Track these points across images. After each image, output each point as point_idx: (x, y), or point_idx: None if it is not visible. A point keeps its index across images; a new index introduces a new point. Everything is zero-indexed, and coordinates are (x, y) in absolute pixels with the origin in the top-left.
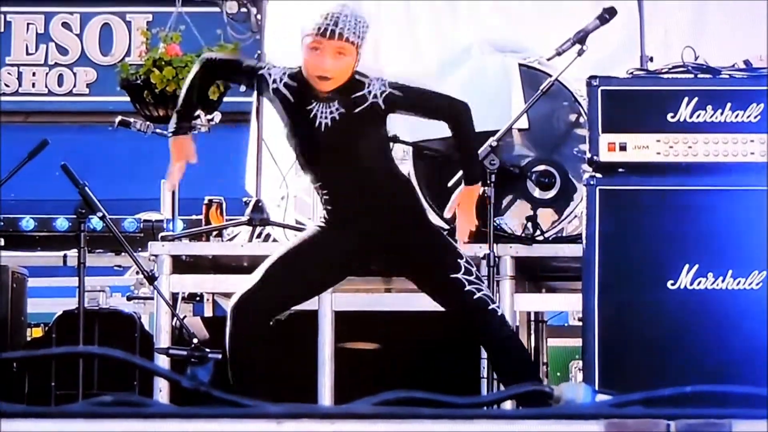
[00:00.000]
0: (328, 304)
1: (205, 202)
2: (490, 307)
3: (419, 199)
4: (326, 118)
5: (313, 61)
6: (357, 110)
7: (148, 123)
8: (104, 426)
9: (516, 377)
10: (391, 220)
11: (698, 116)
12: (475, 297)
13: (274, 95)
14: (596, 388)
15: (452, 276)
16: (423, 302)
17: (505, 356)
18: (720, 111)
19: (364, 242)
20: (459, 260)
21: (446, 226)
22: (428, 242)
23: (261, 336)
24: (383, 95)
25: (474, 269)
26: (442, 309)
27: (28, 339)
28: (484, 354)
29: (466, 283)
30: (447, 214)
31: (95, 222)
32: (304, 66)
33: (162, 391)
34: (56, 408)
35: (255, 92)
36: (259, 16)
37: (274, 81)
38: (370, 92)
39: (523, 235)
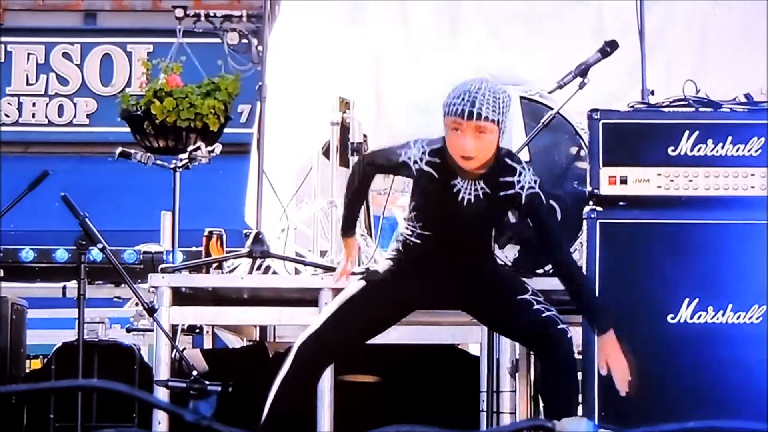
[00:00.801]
0: None
1: (205, 233)
2: (560, 326)
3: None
4: (470, 194)
5: (455, 142)
6: (501, 194)
7: (148, 154)
8: None
9: (569, 405)
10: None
11: (699, 150)
12: (544, 315)
13: (418, 174)
14: (596, 422)
15: (520, 297)
16: (424, 335)
17: (569, 380)
18: (721, 144)
19: (439, 288)
20: (526, 284)
21: None
22: (495, 269)
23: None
24: (529, 191)
25: (540, 296)
26: (444, 342)
27: (27, 371)
28: (483, 386)
29: (535, 303)
30: (602, 371)
31: (95, 253)
32: (448, 145)
33: (161, 423)
34: None
35: (256, 123)
36: (260, 47)
37: (416, 162)
38: (519, 182)
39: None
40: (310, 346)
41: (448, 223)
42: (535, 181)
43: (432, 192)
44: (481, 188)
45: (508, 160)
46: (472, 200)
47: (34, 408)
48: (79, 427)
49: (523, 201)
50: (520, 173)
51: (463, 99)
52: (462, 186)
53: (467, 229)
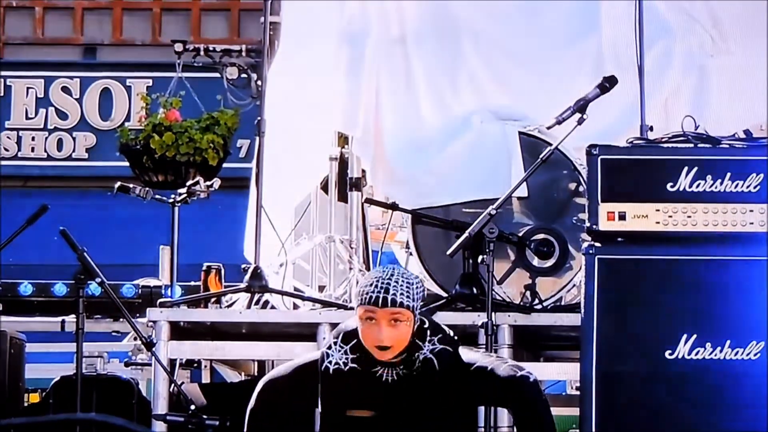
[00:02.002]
0: None
1: (204, 268)
2: (520, 374)
3: None
4: (391, 375)
5: (370, 332)
6: (417, 371)
7: (147, 189)
8: None
9: None
10: None
11: (698, 186)
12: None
13: (338, 377)
14: None
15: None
16: None
17: (547, 420)
18: (720, 181)
19: None
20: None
21: (445, 294)
22: None
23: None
24: (435, 352)
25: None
26: None
27: (26, 404)
28: (481, 422)
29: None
30: None
31: (93, 287)
32: (362, 336)
33: None
34: None
35: (254, 158)
36: (259, 82)
37: (336, 364)
38: (426, 349)
39: (521, 303)
40: (269, 389)
41: (369, 399)
42: (449, 342)
43: (356, 380)
44: (403, 372)
45: (418, 341)
46: (395, 378)
47: None
48: None
49: (437, 366)
50: (429, 341)
51: (375, 286)
52: (383, 371)
53: (401, 412)
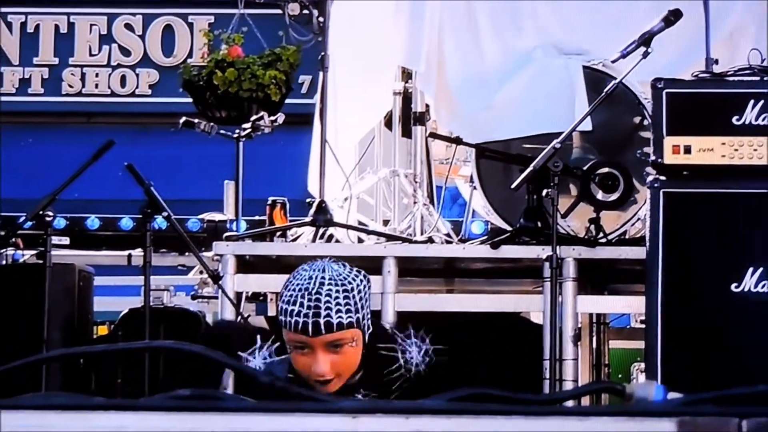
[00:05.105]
0: (391, 304)
1: (269, 202)
2: None
3: None
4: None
5: (305, 364)
6: (392, 389)
7: (211, 124)
8: (182, 420)
9: None
10: None
11: (764, 119)
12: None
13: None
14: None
15: None
16: (485, 303)
17: None
18: None
19: None
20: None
21: (509, 228)
22: None
23: None
24: (416, 368)
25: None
26: (506, 310)
27: (95, 337)
28: (546, 354)
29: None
30: None
31: (160, 222)
32: (296, 366)
33: (227, 389)
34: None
35: (318, 93)
36: (321, 18)
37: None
38: (407, 361)
39: (586, 237)
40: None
41: None
42: (422, 348)
43: None
44: (365, 396)
45: (383, 352)
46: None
47: (101, 373)
48: (146, 392)
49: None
50: (404, 352)
51: (302, 306)
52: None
53: None
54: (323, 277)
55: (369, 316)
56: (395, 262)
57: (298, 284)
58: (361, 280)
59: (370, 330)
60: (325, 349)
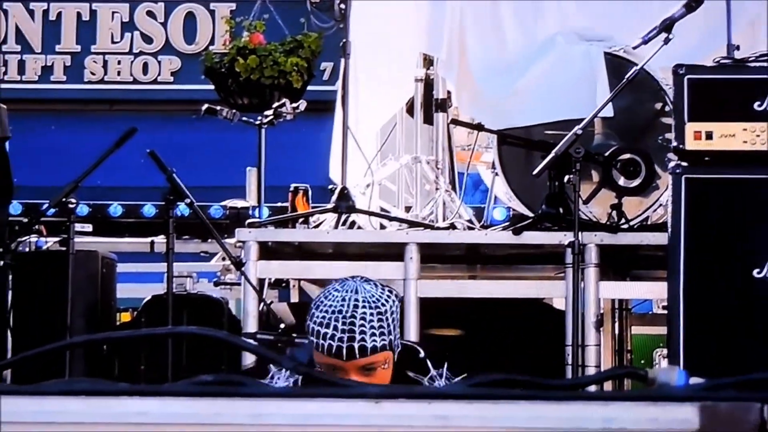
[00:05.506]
0: (413, 290)
1: (291, 189)
2: None
3: None
4: None
5: None
6: None
7: (234, 111)
8: (205, 405)
9: None
10: None
11: None
12: None
13: None
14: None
15: None
16: (506, 289)
17: None
18: None
19: None
20: None
21: (531, 214)
22: None
23: None
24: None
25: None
26: (529, 296)
27: (117, 323)
28: (569, 340)
29: None
30: None
31: (182, 208)
32: None
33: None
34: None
35: (340, 80)
36: (342, 5)
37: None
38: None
39: (608, 223)
40: None
41: None
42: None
43: None
44: None
45: (411, 374)
46: None
47: (124, 360)
48: (169, 378)
49: None
50: (440, 375)
51: (336, 329)
52: None
53: None
54: (357, 299)
55: (398, 341)
56: (417, 248)
57: (330, 306)
58: (393, 301)
59: (399, 348)
60: (358, 372)
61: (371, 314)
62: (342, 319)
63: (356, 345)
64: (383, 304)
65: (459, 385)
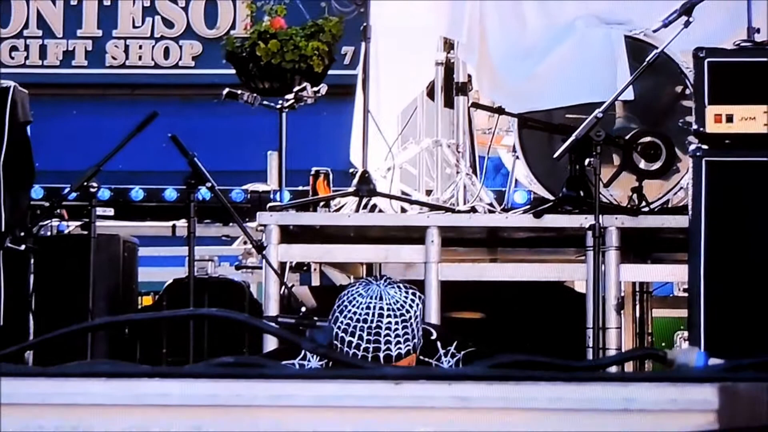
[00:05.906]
0: (434, 273)
1: (312, 172)
2: None
3: None
4: None
5: None
6: None
7: (255, 95)
8: (226, 387)
9: None
10: None
11: None
12: None
13: None
14: None
15: None
16: (527, 272)
17: None
18: None
19: None
20: None
21: (551, 197)
22: None
23: None
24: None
25: None
26: (549, 279)
27: (139, 307)
28: (589, 323)
29: None
30: None
31: (204, 192)
32: None
33: None
34: (181, 368)
35: (360, 64)
36: None
37: None
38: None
39: (628, 206)
40: None
41: None
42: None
43: None
44: None
45: (420, 357)
46: None
47: (146, 342)
48: (191, 361)
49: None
50: (446, 353)
51: (360, 338)
52: None
53: None
54: (381, 307)
55: (420, 341)
56: (438, 231)
57: (355, 313)
58: (417, 304)
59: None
60: None
61: (396, 322)
62: (367, 329)
63: (381, 355)
64: (407, 311)
65: (479, 367)
